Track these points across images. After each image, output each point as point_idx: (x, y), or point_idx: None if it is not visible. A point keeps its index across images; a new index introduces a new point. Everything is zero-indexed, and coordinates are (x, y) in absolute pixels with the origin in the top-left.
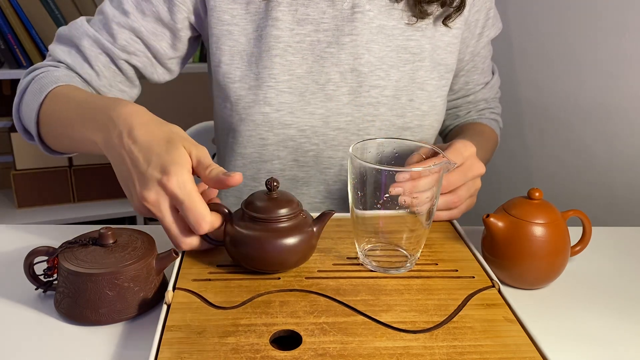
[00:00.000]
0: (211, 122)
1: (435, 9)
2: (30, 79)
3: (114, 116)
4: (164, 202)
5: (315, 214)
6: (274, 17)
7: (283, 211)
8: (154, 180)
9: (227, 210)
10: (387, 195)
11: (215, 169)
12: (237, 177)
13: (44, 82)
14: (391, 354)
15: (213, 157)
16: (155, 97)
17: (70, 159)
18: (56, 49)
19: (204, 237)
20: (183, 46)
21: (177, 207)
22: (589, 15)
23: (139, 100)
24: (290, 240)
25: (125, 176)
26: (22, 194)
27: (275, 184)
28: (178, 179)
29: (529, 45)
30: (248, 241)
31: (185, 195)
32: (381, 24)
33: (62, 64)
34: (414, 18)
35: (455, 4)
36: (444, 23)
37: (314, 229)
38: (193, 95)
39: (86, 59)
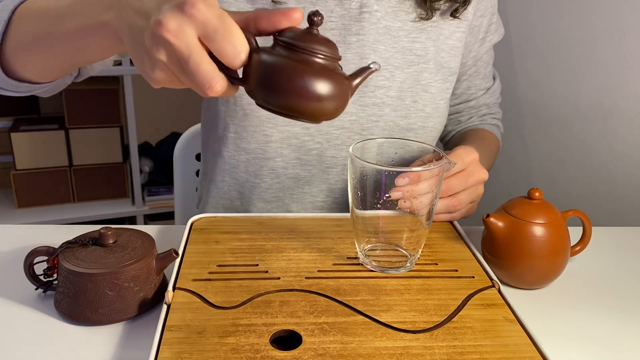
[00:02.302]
0: None
1: (442, 4)
2: None
3: None
4: (189, 30)
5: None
6: None
7: (323, 48)
8: (173, 8)
9: (254, 39)
10: (387, 195)
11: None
12: (299, 12)
13: None
14: (391, 354)
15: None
16: (155, 96)
17: (70, 158)
18: None
19: (227, 75)
20: None
21: (206, 39)
22: (589, 16)
23: (138, 99)
24: (326, 81)
25: (138, 34)
26: (22, 194)
27: (319, 17)
28: (205, 1)
29: (528, 46)
30: (282, 68)
31: (218, 20)
32: (388, 24)
33: None
34: (422, 14)
35: None
36: (453, 15)
37: (353, 82)
38: (193, 95)
39: None
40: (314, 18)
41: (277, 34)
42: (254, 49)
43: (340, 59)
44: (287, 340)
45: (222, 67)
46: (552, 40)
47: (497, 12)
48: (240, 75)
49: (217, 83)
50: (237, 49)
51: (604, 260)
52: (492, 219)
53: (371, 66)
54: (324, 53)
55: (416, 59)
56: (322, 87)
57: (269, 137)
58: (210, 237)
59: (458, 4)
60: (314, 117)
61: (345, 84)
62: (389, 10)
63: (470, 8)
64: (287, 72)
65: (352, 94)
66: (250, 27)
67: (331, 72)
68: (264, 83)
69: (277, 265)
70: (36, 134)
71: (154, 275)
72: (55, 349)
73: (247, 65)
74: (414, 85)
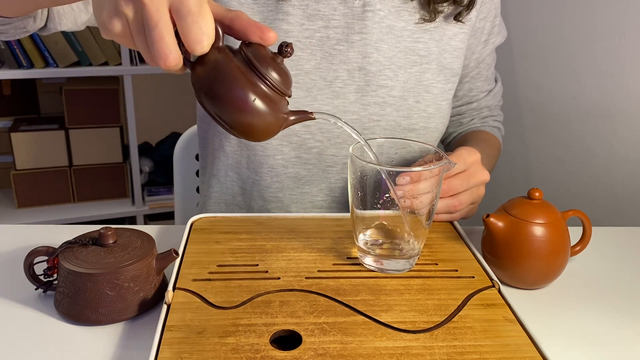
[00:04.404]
0: None
1: (446, 7)
2: None
3: None
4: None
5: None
6: (284, 12)
7: (276, 79)
8: None
9: (222, 35)
10: (387, 195)
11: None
12: (273, 35)
13: None
14: (391, 354)
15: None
16: (155, 96)
17: (70, 158)
18: None
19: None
20: None
21: (177, 14)
22: (589, 16)
23: (138, 99)
24: (262, 104)
25: None
26: (22, 194)
27: (289, 49)
28: None
29: (528, 46)
30: (229, 77)
31: (196, 3)
32: (391, 24)
33: None
34: (425, 15)
35: (465, 1)
36: (456, 18)
37: (290, 118)
38: (193, 95)
39: None
40: (283, 48)
41: (245, 44)
42: (217, 45)
43: (289, 96)
44: (287, 340)
45: (180, 46)
46: (552, 41)
47: (500, 15)
48: (192, 60)
49: (173, 59)
50: (202, 37)
51: (604, 260)
52: (492, 219)
53: (314, 115)
54: (274, 84)
55: (419, 59)
56: (254, 109)
57: None
58: (210, 237)
59: (462, 8)
60: (239, 132)
61: (279, 117)
62: (392, 9)
63: (474, 10)
64: (232, 83)
65: (284, 128)
66: (225, 22)
67: (270, 101)
68: (208, 80)
69: (277, 265)
70: (36, 134)
71: (154, 275)
72: (55, 349)
73: (203, 56)
74: (416, 86)
